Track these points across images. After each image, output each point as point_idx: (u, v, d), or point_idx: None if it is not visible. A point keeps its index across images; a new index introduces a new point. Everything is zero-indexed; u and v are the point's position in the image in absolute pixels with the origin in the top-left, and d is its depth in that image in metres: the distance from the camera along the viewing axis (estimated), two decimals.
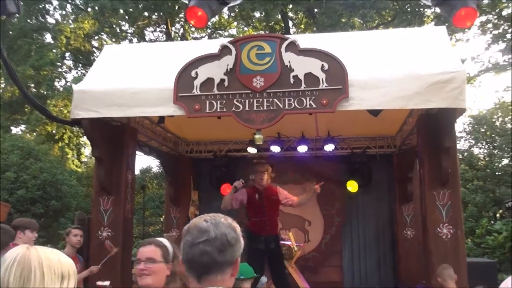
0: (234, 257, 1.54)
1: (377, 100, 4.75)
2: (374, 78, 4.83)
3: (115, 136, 5.85)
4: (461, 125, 22.29)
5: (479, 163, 15.78)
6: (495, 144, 15.76)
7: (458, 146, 16.48)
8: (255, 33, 16.34)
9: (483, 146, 16.47)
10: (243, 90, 5.01)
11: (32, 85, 18.50)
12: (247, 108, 4.98)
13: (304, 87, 4.90)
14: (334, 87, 4.83)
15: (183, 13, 17.90)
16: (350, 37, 6.27)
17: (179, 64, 5.21)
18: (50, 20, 20.25)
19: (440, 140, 5.14)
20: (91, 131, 5.48)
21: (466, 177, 14.92)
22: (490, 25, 18.66)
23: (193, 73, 5.11)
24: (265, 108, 4.96)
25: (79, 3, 18.73)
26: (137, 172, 19.44)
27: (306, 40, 5.58)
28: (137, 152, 7.73)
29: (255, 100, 4.98)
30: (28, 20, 18.93)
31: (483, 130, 16.55)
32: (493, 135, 15.87)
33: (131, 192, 6.05)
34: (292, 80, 4.94)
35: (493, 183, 14.42)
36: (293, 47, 5.02)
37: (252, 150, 8.15)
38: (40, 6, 19.28)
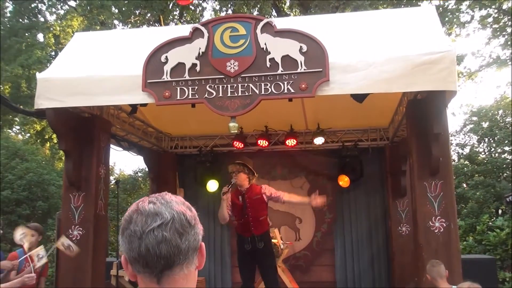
0: (198, 241, 1.17)
1: (358, 84, 4.38)
2: (356, 60, 4.46)
3: (85, 128, 5.50)
4: (461, 120, 21.98)
5: (479, 157, 15.38)
6: (495, 138, 15.35)
7: (457, 141, 16.11)
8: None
9: (482, 140, 16.08)
10: (216, 75, 4.66)
11: (24, 85, 18.16)
12: (220, 94, 4.63)
13: (282, 71, 4.54)
14: (314, 70, 4.47)
15: (178, 9, 17.66)
16: (333, 19, 5.89)
17: (149, 49, 4.86)
18: (42, 19, 19.97)
19: (430, 126, 4.76)
20: (56, 122, 5.11)
21: (466, 172, 14.51)
22: (490, 19, 18.28)
23: (162, 58, 4.76)
24: (239, 94, 4.60)
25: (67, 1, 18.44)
26: (130, 172, 19.11)
27: (286, 22, 5.22)
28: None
29: (229, 86, 4.63)
30: (20, 20, 18.59)
31: (485, 125, 16.15)
32: (493, 129, 15.46)
33: (104, 188, 5.69)
34: (268, 64, 4.59)
35: (494, 177, 14.00)
36: (269, 28, 4.67)
37: (239, 144, 7.79)
38: (33, 5, 18.99)
